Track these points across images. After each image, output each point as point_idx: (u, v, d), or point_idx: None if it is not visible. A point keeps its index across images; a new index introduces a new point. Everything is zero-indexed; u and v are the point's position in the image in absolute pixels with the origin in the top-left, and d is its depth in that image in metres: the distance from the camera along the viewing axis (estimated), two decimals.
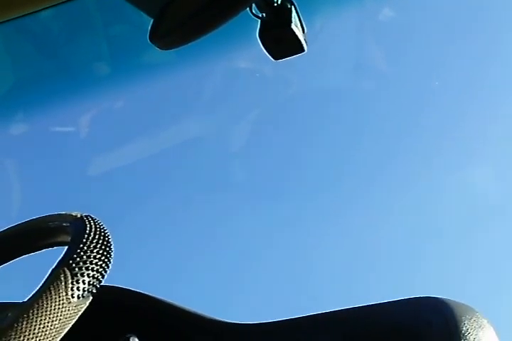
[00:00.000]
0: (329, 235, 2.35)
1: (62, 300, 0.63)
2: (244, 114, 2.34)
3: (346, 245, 2.36)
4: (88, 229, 0.74)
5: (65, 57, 1.81)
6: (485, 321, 0.84)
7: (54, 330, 0.62)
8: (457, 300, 0.88)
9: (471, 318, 0.82)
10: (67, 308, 0.63)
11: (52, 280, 0.64)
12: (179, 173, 2.38)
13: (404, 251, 2.34)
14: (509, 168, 2.30)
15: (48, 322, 0.61)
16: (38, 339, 0.60)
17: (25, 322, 0.60)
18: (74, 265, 0.66)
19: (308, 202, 2.35)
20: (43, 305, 0.62)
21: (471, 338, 0.78)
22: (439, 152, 2.35)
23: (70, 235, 0.77)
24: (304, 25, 1.07)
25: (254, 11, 1.03)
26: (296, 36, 1.02)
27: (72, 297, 0.64)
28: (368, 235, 2.33)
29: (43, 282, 0.65)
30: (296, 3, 1.06)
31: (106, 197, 2.34)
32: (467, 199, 2.34)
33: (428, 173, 2.35)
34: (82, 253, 0.68)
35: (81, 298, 0.65)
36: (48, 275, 0.66)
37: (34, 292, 0.64)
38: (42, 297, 0.62)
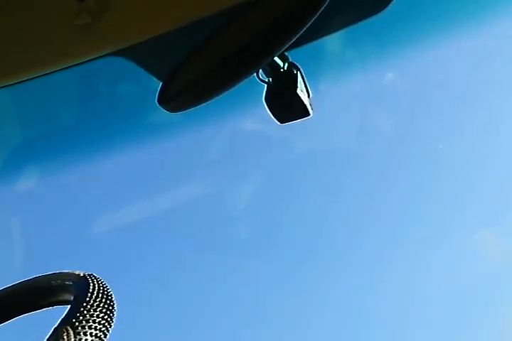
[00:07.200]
0: (330, 296, 2.33)
1: None
2: (248, 174, 2.36)
3: (346, 307, 2.34)
4: (91, 288, 0.74)
5: (71, 117, 1.83)
6: None
7: None
8: None
9: None
10: None
11: (56, 339, 0.63)
12: (183, 232, 2.38)
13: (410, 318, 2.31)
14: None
15: None
16: None
17: None
18: (77, 324, 0.66)
19: (312, 261, 2.34)
20: None
21: None
22: (445, 217, 2.35)
23: (73, 294, 0.77)
24: (309, 90, 1.10)
25: (261, 76, 1.06)
26: (302, 101, 1.05)
27: None
28: (369, 301, 2.31)
29: (45, 340, 0.64)
30: (301, 68, 1.09)
31: (109, 255, 2.33)
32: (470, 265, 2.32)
33: (436, 238, 2.34)
34: (85, 312, 0.68)
35: None
36: (50, 333, 0.65)
37: None
38: None
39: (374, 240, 2.35)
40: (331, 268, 2.34)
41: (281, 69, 1.06)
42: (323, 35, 1.18)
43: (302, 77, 1.08)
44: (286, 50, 0.91)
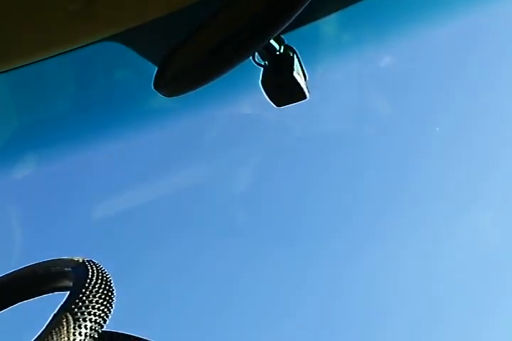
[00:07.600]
0: (331, 279, 2.34)
1: None
2: (246, 159, 2.35)
3: (350, 289, 2.34)
4: (90, 274, 0.73)
5: (67, 103, 1.82)
6: None
7: None
8: None
9: None
10: None
11: (55, 325, 0.63)
12: (182, 218, 2.38)
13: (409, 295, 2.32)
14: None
15: None
16: None
17: None
18: (76, 310, 0.66)
19: (310, 246, 2.34)
20: None
21: None
22: (441, 197, 2.35)
23: (72, 280, 0.77)
24: (306, 73, 1.09)
25: (257, 59, 1.05)
26: (298, 83, 1.04)
27: None
28: (372, 281, 2.31)
29: (45, 326, 0.64)
30: (297, 51, 1.08)
31: (108, 241, 2.33)
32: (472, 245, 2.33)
33: (432, 218, 2.34)
34: (84, 298, 0.68)
35: None
36: (50, 320, 0.65)
37: (36, 337, 0.64)
38: None
39: (370, 217, 2.35)
40: (331, 252, 2.35)
41: (277, 52, 1.05)
42: (320, 17, 1.17)
43: (298, 60, 1.07)
44: (281, 32, 0.90)
